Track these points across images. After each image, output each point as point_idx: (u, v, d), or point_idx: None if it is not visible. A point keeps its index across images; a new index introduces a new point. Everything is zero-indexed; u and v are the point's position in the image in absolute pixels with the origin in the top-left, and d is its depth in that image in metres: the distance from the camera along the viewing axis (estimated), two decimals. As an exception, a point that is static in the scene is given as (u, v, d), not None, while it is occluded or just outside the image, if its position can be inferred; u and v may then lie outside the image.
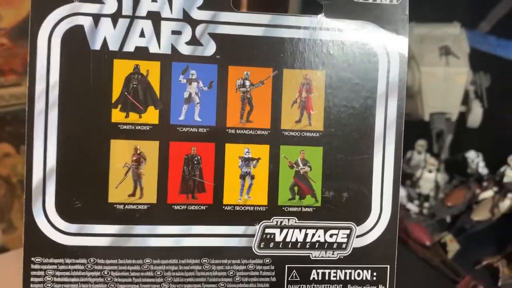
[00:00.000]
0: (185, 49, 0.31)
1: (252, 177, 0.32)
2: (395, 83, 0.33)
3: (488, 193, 0.69)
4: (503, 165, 0.68)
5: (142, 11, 0.31)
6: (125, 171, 0.31)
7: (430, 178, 0.71)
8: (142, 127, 0.31)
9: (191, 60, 0.31)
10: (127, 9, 0.31)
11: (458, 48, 0.68)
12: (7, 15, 0.61)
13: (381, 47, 0.32)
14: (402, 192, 0.70)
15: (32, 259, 0.30)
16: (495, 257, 0.60)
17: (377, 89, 0.33)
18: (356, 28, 0.32)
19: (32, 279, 0.30)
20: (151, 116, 0.31)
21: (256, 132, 0.32)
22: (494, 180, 0.69)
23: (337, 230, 0.33)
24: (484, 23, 0.74)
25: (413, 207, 0.71)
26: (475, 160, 0.72)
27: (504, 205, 0.66)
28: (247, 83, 0.32)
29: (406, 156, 0.75)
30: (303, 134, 0.32)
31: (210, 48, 0.31)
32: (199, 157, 0.31)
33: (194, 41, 0.31)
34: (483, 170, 0.72)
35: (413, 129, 0.72)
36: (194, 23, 0.31)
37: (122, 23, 0.31)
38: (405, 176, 0.73)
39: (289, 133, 0.32)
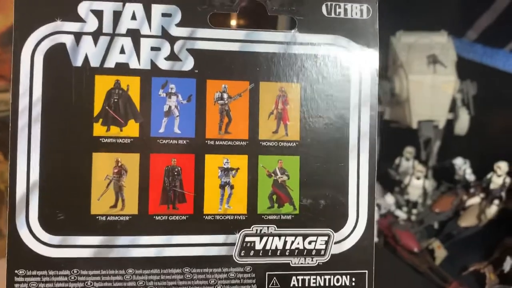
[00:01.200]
0: (164, 65, 0.32)
1: (232, 187, 0.33)
2: (367, 95, 0.34)
3: (475, 200, 0.70)
4: (489, 171, 0.69)
5: (122, 28, 0.32)
6: (107, 183, 0.32)
7: (418, 185, 0.72)
8: (123, 140, 0.32)
9: (170, 75, 0.32)
10: (107, 27, 0.32)
11: (445, 56, 0.69)
12: None
13: (352, 60, 0.34)
14: (391, 199, 0.71)
15: (16, 271, 0.31)
16: (481, 263, 0.60)
17: (350, 100, 0.34)
18: (329, 42, 0.34)
19: (15, 292, 0.31)
20: (132, 129, 0.32)
21: (234, 143, 0.33)
22: (481, 186, 0.70)
23: (316, 237, 0.34)
24: (471, 32, 0.76)
25: (401, 214, 0.72)
26: (462, 167, 0.73)
27: (491, 211, 0.68)
28: (225, 96, 0.33)
29: (395, 162, 0.76)
30: (280, 144, 0.33)
31: (188, 63, 0.33)
32: (179, 168, 0.32)
33: (172, 57, 0.32)
34: (470, 176, 0.73)
35: (402, 136, 0.74)
36: (172, 40, 0.32)
37: (103, 40, 0.32)
38: (393, 183, 0.75)
39: (266, 143, 0.33)
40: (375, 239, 0.67)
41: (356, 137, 0.34)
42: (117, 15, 0.32)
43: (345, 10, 0.34)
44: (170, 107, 0.32)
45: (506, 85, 0.72)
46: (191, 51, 0.33)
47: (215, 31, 0.33)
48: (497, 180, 0.68)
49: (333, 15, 0.34)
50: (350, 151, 0.34)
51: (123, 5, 0.32)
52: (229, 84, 0.33)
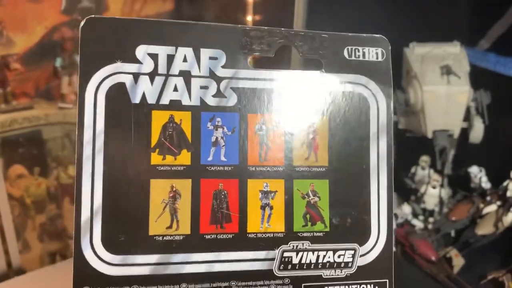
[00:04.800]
0: (211, 101, 0.37)
1: (271, 208, 0.37)
2: (384, 124, 0.39)
3: (492, 207, 0.71)
4: (505, 179, 0.69)
5: (175, 70, 0.36)
6: (163, 206, 0.35)
7: (434, 193, 0.74)
8: (177, 168, 0.36)
9: (217, 110, 0.37)
10: (162, 69, 0.36)
11: (458, 67, 0.70)
12: (20, 41, 0.65)
13: (371, 95, 0.39)
14: (407, 208, 0.72)
15: (81, 289, 0.34)
16: (500, 271, 0.61)
17: (370, 130, 0.39)
18: (350, 80, 0.39)
19: (80, 308, 0.34)
20: (184, 158, 0.36)
21: (272, 169, 0.38)
22: (497, 194, 0.71)
23: (344, 251, 0.38)
24: (483, 41, 0.76)
25: (418, 223, 0.72)
26: (478, 175, 0.74)
27: (508, 219, 0.68)
28: (264, 127, 0.38)
29: (410, 171, 0.76)
30: (312, 169, 0.38)
31: (232, 100, 0.37)
32: (225, 192, 0.36)
33: (219, 94, 0.37)
34: (486, 184, 0.74)
35: (417, 145, 0.74)
36: (218, 79, 0.37)
37: (158, 80, 0.36)
38: (410, 192, 0.75)
39: (300, 169, 0.38)
40: (393, 249, 0.70)
41: (376, 161, 0.39)
42: (170, 58, 0.36)
43: (363, 53, 0.40)
44: (217, 138, 0.37)
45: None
46: (234, 89, 0.37)
47: (255, 72, 0.38)
48: None
49: (353, 57, 0.39)
50: (371, 174, 0.39)
51: (176, 49, 0.36)
52: (266, 118, 0.38)
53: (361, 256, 0.38)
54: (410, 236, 0.69)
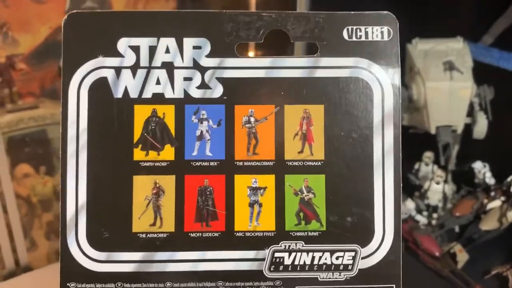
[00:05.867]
0: (196, 93, 0.35)
1: (260, 205, 0.35)
2: (390, 113, 0.35)
3: (496, 203, 0.70)
4: (510, 175, 0.69)
5: (157, 62, 0.35)
6: (146, 203, 0.35)
7: (438, 189, 0.73)
8: (160, 164, 0.35)
9: (202, 102, 0.35)
10: (144, 61, 0.35)
11: (461, 62, 0.70)
12: (25, 41, 0.68)
13: (374, 80, 0.35)
14: (411, 204, 0.71)
15: (68, 284, 0.34)
16: (504, 266, 0.61)
17: (374, 119, 0.35)
18: (350, 65, 0.35)
19: (67, 303, 0.34)
20: (168, 153, 0.35)
21: (262, 163, 0.35)
22: (501, 189, 0.70)
23: (343, 253, 0.35)
24: (487, 36, 0.76)
25: (422, 219, 0.72)
26: (482, 170, 0.74)
27: None
28: (252, 119, 0.35)
29: (414, 167, 0.77)
30: (306, 163, 0.35)
31: (218, 91, 0.35)
32: (211, 188, 0.35)
33: (203, 86, 0.35)
34: (490, 180, 0.73)
35: (420, 141, 0.74)
36: (203, 70, 0.35)
37: (140, 73, 0.35)
38: (413, 188, 0.76)
39: (292, 163, 0.35)
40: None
41: (381, 154, 0.35)
42: (152, 50, 0.35)
43: (366, 33, 0.35)
44: (202, 131, 0.35)
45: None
46: (220, 80, 0.35)
47: (242, 60, 0.35)
48: None
49: (354, 38, 0.35)
50: (375, 169, 0.35)
51: (158, 40, 0.35)
52: (255, 109, 0.35)
53: (363, 258, 0.35)
54: (414, 231, 0.68)
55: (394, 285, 0.35)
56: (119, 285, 0.34)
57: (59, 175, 0.35)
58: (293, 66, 0.35)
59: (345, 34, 0.35)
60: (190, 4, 0.82)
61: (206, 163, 0.35)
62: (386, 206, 0.35)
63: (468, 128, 0.74)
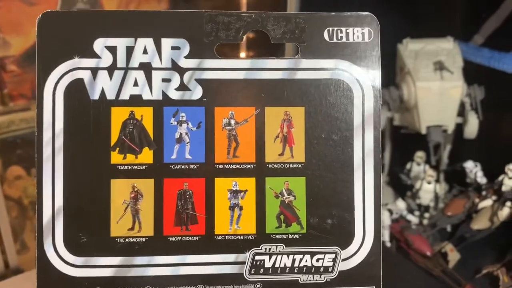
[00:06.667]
0: (174, 95, 0.34)
1: (241, 208, 0.35)
2: (370, 115, 0.35)
3: (487, 202, 0.70)
4: (501, 174, 0.69)
5: (135, 63, 0.34)
6: (124, 207, 0.34)
7: (429, 189, 0.73)
8: (138, 167, 0.34)
9: (181, 104, 0.34)
10: (121, 62, 0.34)
11: (451, 62, 0.70)
12: (16, 43, 0.66)
13: (355, 82, 0.35)
14: (402, 204, 0.72)
15: (45, 290, 0.34)
16: (495, 265, 0.61)
17: (354, 121, 0.35)
18: (331, 66, 0.35)
19: (45, 309, 0.33)
20: (146, 156, 0.34)
21: (242, 166, 0.35)
22: (493, 189, 0.70)
23: (323, 255, 0.35)
24: (478, 36, 0.77)
25: (413, 218, 0.72)
26: (473, 170, 0.74)
27: (503, 213, 0.68)
28: (232, 121, 0.35)
29: (406, 167, 0.77)
30: (286, 166, 0.35)
31: (197, 92, 0.35)
32: (191, 192, 0.34)
33: (182, 87, 0.34)
34: (481, 179, 0.73)
35: (412, 141, 0.75)
36: (182, 71, 0.34)
37: (117, 74, 0.34)
38: (405, 188, 0.77)
39: (273, 166, 0.35)
40: (388, 244, 0.69)
41: (361, 157, 0.35)
42: (129, 50, 0.34)
43: (347, 34, 0.35)
44: (181, 134, 0.34)
45: (513, 88, 0.73)
46: (200, 81, 0.34)
47: (222, 61, 0.35)
48: (508, 182, 0.69)
49: (335, 39, 0.35)
50: (355, 171, 0.35)
51: (135, 41, 0.34)
52: (236, 111, 0.35)
53: (343, 260, 0.35)
54: (405, 231, 0.68)
55: (374, 287, 0.35)
56: (98, 290, 0.34)
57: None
58: (273, 68, 0.35)
59: (326, 35, 0.35)
60: (183, 5, 0.81)
61: (185, 166, 0.34)
62: (366, 208, 0.35)
63: (460, 128, 0.74)
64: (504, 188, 0.68)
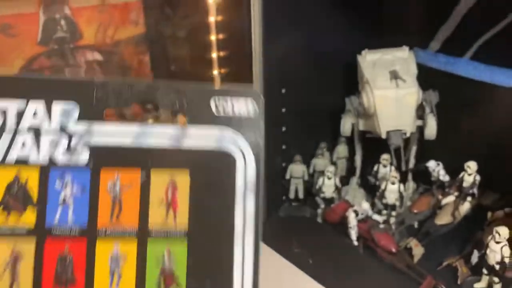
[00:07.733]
0: (61, 158, 0.35)
1: (120, 276, 0.35)
2: (252, 183, 0.37)
3: (450, 198, 0.76)
4: (461, 171, 0.75)
5: (24, 125, 0.35)
6: (3, 269, 0.34)
7: (393, 189, 0.77)
8: (20, 230, 0.35)
9: (67, 167, 0.35)
10: (10, 125, 0.35)
11: (406, 70, 0.74)
12: (0, 72, 0.67)
13: (238, 151, 0.37)
14: (366, 205, 0.76)
15: None
16: (454, 257, 0.67)
17: (236, 188, 0.36)
18: (216, 136, 0.37)
19: None
20: (29, 219, 0.35)
21: (124, 230, 0.35)
22: (456, 186, 0.76)
23: (202, 319, 0.35)
24: (434, 43, 0.82)
25: (378, 218, 0.76)
26: (436, 168, 0.79)
27: (464, 208, 0.74)
28: (117, 186, 0.36)
29: (373, 169, 0.82)
30: (169, 232, 0.36)
31: (84, 156, 0.36)
32: (71, 257, 0.35)
33: (70, 150, 0.35)
34: (444, 177, 0.78)
35: (378, 144, 0.79)
36: (70, 134, 0.36)
37: (5, 137, 0.35)
38: (374, 188, 0.81)
39: (155, 232, 0.36)
40: (355, 243, 0.73)
41: (242, 223, 0.36)
42: (20, 113, 0.35)
43: (232, 106, 0.37)
44: (65, 196, 0.35)
45: (468, 91, 0.78)
46: (87, 145, 0.36)
47: (110, 127, 0.36)
48: (468, 178, 0.74)
49: (221, 112, 0.37)
50: (236, 237, 0.36)
51: (27, 103, 0.35)
52: (121, 174, 0.36)
53: (222, 325, 0.36)
54: (372, 230, 0.72)
55: None
56: None
57: None
58: (160, 134, 0.36)
59: (212, 107, 0.37)
60: (159, 27, 0.82)
61: (67, 230, 0.35)
62: (245, 270, 0.36)
63: (421, 130, 0.79)
64: (464, 184, 0.74)
